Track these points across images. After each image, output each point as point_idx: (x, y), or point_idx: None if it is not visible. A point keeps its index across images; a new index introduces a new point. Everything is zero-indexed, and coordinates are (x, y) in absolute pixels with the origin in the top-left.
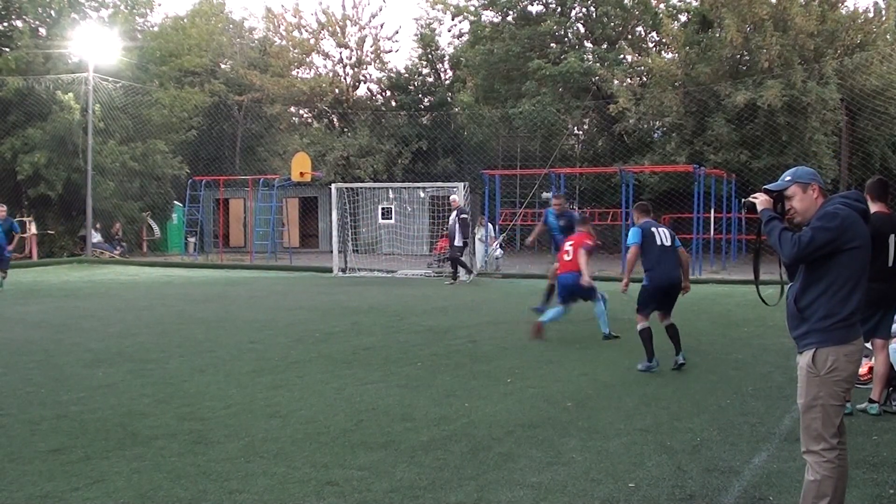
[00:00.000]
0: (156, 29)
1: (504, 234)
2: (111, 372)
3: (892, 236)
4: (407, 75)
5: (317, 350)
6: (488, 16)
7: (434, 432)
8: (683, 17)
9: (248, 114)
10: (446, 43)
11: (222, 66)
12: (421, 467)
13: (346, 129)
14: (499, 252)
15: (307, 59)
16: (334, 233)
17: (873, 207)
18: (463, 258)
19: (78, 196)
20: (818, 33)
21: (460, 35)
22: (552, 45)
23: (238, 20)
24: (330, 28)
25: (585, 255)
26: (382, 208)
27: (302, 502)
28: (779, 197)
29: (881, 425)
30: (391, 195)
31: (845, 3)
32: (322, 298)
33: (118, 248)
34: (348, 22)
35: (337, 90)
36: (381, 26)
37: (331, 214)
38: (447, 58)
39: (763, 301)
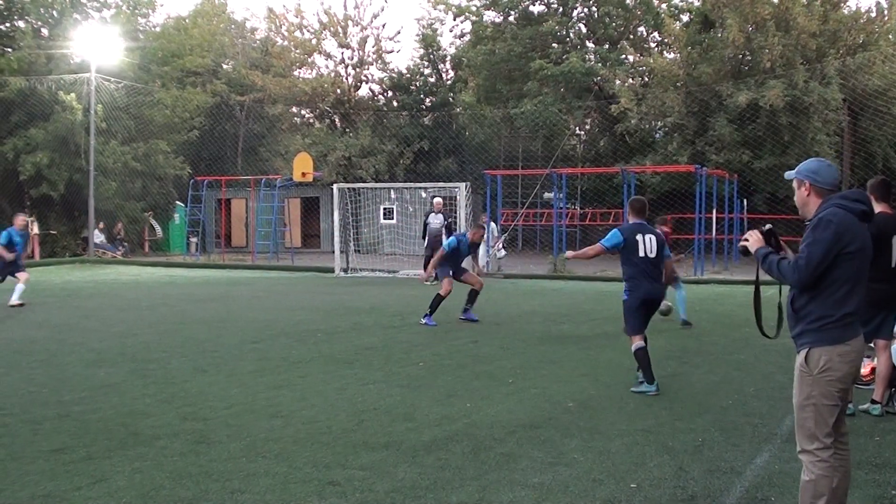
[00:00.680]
0: (158, 29)
1: (506, 235)
2: (113, 372)
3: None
4: (409, 75)
5: (318, 350)
6: (490, 16)
7: (436, 432)
8: (685, 17)
9: (249, 114)
10: (448, 43)
11: (224, 66)
12: (423, 467)
13: (347, 130)
14: (501, 252)
15: (309, 60)
16: (336, 233)
17: (877, 208)
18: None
19: (80, 196)
20: (820, 33)
21: (462, 35)
22: (554, 45)
23: (240, 20)
24: (332, 28)
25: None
26: (384, 208)
27: (304, 502)
28: (769, 231)
29: (883, 426)
30: (393, 195)
31: (847, 3)
32: (324, 298)
33: (120, 248)
34: (350, 22)
35: (339, 90)
36: (383, 26)
37: (333, 214)
38: (449, 58)
39: (764, 334)
